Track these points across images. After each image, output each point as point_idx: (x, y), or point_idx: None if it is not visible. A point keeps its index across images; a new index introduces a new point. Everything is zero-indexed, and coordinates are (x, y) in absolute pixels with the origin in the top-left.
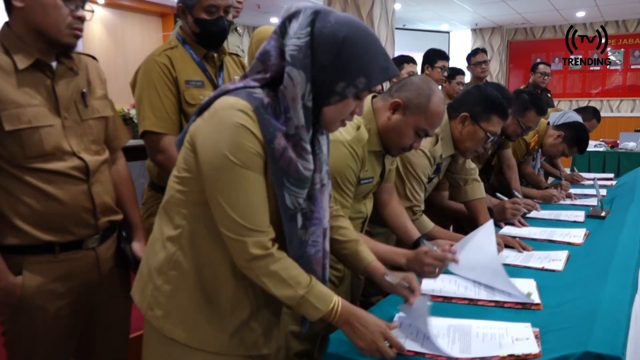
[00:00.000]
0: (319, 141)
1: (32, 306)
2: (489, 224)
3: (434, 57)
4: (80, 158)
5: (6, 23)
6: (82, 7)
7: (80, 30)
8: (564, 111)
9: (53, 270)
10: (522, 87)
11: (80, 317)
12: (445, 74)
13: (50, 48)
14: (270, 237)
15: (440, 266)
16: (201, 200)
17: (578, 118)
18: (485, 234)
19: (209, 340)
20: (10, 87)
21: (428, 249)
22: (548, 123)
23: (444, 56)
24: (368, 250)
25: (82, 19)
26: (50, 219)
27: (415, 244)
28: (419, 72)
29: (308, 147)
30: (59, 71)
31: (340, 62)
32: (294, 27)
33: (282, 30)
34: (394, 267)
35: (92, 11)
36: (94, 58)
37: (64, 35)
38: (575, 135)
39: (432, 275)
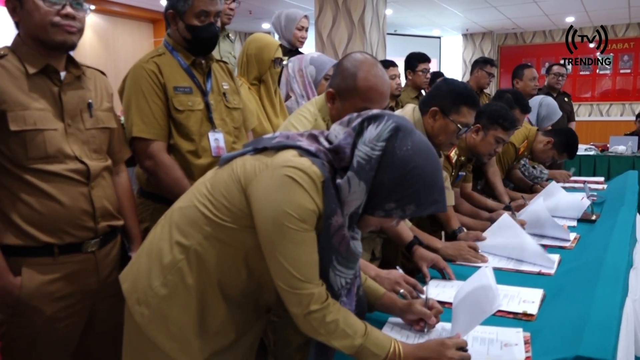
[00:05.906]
0: (354, 231)
1: (30, 308)
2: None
3: (414, 61)
4: (82, 162)
5: (17, 34)
6: (73, 6)
7: (70, 26)
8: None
9: (52, 273)
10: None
11: (78, 321)
12: (428, 75)
13: (50, 51)
14: (324, 287)
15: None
16: (226, 235)
17: None
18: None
19: (187, 356)
20: (18, 90)
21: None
22: (537, 130)
23: (425, 59)
24: (375, 283)
25: (69, 16)
26: (49, 220)
27: (409, 246)
28: (402, 77)
29: (356, 234)
30: (66, 80)
31: (399, 187)
32: (371, 132)
33: (360, 130)
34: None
35: (89, 9)
36: (102, 73)
37: (52, 33)
38: (564, 141)
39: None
